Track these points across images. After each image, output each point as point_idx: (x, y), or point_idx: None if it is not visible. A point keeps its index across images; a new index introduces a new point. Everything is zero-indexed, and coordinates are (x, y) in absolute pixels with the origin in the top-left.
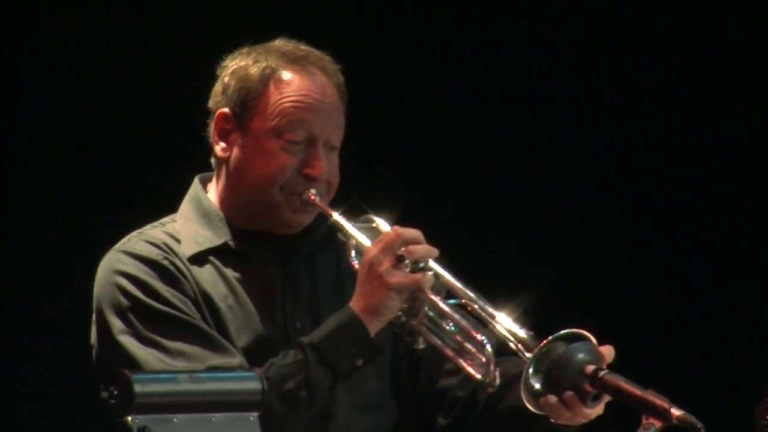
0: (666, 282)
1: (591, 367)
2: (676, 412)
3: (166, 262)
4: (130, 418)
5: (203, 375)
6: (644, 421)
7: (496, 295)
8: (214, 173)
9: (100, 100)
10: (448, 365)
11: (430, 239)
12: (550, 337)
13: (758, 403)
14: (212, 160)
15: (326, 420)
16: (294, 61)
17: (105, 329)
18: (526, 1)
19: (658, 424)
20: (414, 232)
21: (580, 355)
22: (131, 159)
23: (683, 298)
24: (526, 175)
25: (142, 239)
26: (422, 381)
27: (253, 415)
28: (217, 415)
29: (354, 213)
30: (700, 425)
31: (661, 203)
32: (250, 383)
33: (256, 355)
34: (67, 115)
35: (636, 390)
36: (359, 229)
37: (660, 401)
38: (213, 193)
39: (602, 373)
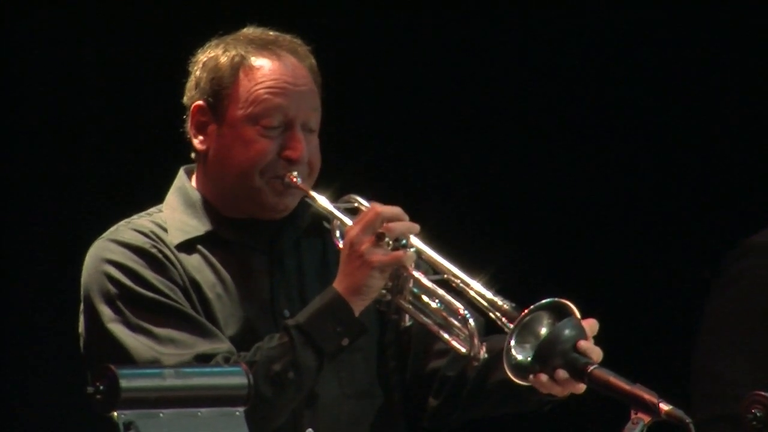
0: (651, 276)
1: (582, 360)
2: (665, 406)
3: (154, 250)
4: (116, 413)
5: (189, 370)
6: (633, 415)
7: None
8: (196, 165)
9: (86, 95)
10: (437, 347)
11: (411, 217)
12: (531, 306)
13: (745, 396)
14: (193, 155)
15: (316, 409)
16: (263, 47)
17: (94, 318)
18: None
19: (647, 418)
20: (394, 209)
21: (567, 331)
22: (116, 151)
23: (670, 293)
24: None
25: (129, 228)
26: (411, 365)
27: (239, 410)
28: (204, 410)
29: (338, 196)
30: (688, 420)
31: (639, 190)
32: (237, 378)
33: (244, 342)
34: (52, 111)
35: (625, 385)
36: (343, 210)
37: (649, 396)
38: (197, 183)
39: (591, 368)
